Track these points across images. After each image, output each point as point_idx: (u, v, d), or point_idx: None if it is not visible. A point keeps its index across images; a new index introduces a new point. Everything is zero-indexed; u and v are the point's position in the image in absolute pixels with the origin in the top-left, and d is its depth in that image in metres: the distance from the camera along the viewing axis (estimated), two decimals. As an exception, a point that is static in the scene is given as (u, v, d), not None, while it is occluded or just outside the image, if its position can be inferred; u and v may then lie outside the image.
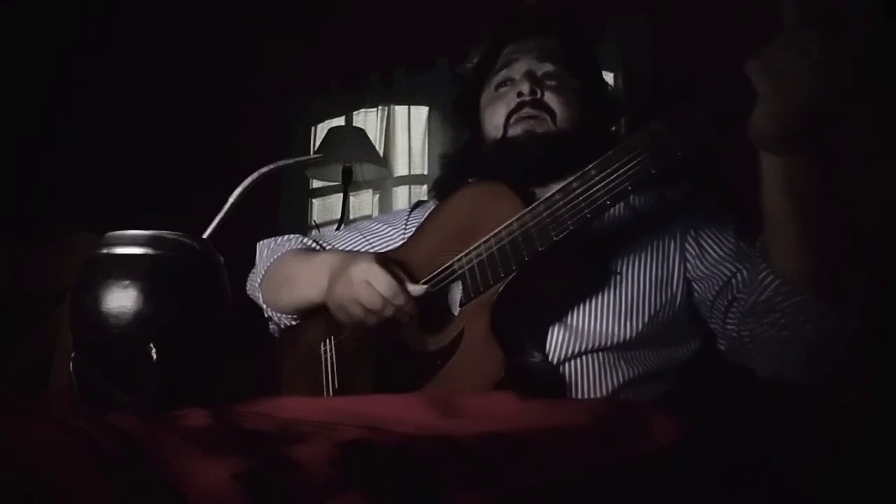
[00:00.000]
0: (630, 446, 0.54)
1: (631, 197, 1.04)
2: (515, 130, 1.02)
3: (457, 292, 0.97)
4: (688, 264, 0.97)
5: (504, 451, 0.48)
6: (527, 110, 1.01)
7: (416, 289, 0.92)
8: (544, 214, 0.85)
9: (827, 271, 0.78)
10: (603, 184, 0.80)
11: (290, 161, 0.81)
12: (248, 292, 1.26)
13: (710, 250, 0.96)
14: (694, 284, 0.96)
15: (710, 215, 0.99)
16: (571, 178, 0.84)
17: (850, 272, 0.78)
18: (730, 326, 0.90)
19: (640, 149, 0.78)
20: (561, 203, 0.83)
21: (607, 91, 1.14)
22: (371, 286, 0.91)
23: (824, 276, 0.78)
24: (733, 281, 0.91)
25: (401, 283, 0.92)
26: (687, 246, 0.97)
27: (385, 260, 0.96)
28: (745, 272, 0.90)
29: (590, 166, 0.82)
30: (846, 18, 0.69)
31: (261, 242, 1.28)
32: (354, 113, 2.61)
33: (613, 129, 1.15)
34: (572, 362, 0.90)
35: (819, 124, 0.72)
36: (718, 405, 0.99)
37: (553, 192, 0.85)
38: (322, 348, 1.08)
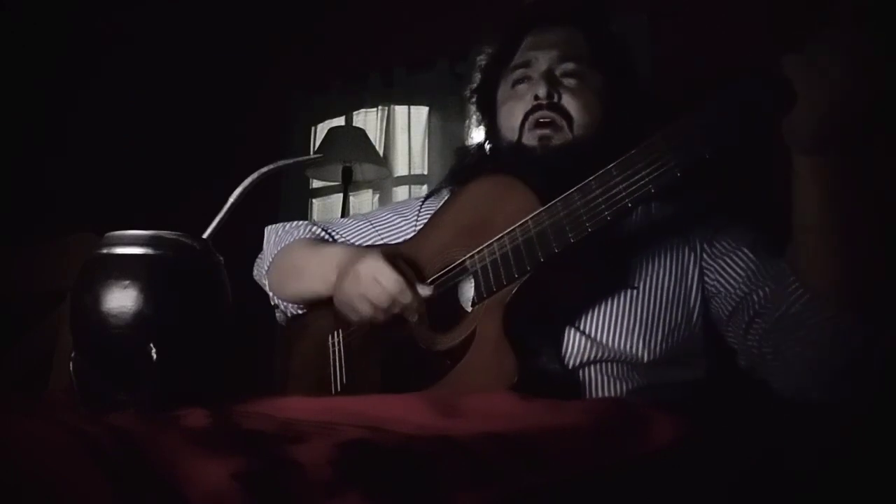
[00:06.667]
0: (630, 446, 0.54)
1: (651, 205, 0.99)
2: (530, 139, 0.97)
3: (469, 289, 0.94)
4: (706, 278, 0.92)
5: (504, 451, 0.48)
6: (543, 113, 0.96)
7: (423, 290, 0.91)
8: (561, 214, 0.81)
9: (860, 283, 0.73)
10: (624, 185, 0.76)
11: (290, 161, 0.81)
12: (255, 278, 1.25)
13: (725, 265, 0.91)
14: (710, 300, 0.92)
15: (726, 226, 0.95)
16: (591, 178, 0.80)
17: (885, 284, 0.73)
18: (750, 342, 0.85)
19: (665, 149, 0.74)
20: (579, 203, 0.79)
21: (637, 86, 1.06)
22: (379, 283, 0.90)
23: (857, 289, 0.73)
24: (754, 297, 0.86)
25: (408, 280, 0.90)
26: (704, 259, 0.93)
27: (393, 256, 0.94)
28: (766, 289, 0.85)
29: (611, 166, 0.78)
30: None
31: (269, 227, 1.25)
32: (354, 113, 2.61)
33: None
34: (588, 368, 0.88)
35: (860, 126, 0.68)
36: (718, 403, 0.98)
37: (571, 190, 0.81)
38: (330, 341, 1.06)
